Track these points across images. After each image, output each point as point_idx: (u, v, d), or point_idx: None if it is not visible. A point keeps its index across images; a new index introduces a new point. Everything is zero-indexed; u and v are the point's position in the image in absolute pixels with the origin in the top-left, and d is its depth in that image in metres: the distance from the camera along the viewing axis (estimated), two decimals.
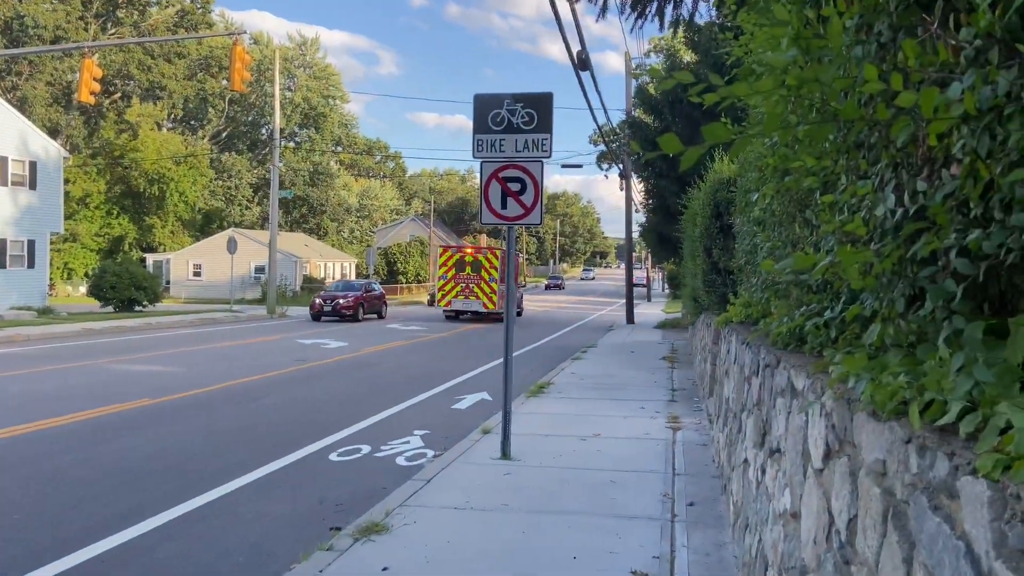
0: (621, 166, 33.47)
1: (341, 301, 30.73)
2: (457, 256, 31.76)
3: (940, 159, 1.86)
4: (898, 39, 1.98)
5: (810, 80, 1.87)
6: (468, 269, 31.57)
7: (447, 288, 31.55)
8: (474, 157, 7.80)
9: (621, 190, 33.47)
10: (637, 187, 32.40)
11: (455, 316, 32.48)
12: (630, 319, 31.29)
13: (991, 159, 1.60)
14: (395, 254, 62.85)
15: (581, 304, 51.17)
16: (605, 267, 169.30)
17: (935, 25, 1.73)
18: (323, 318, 30.60)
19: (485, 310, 31.20)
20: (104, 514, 6.08)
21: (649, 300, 57.15)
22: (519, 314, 36.77)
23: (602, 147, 58.57)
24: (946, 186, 1.81)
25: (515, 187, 7.73)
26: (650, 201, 25.49)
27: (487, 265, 31.41)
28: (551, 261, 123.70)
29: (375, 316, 32.85)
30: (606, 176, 72.00)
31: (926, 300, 2.03)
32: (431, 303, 43.12)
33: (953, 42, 1.67)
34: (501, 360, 7.78)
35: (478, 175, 7.95)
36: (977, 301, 1.91)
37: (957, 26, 1.74)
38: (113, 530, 5.69)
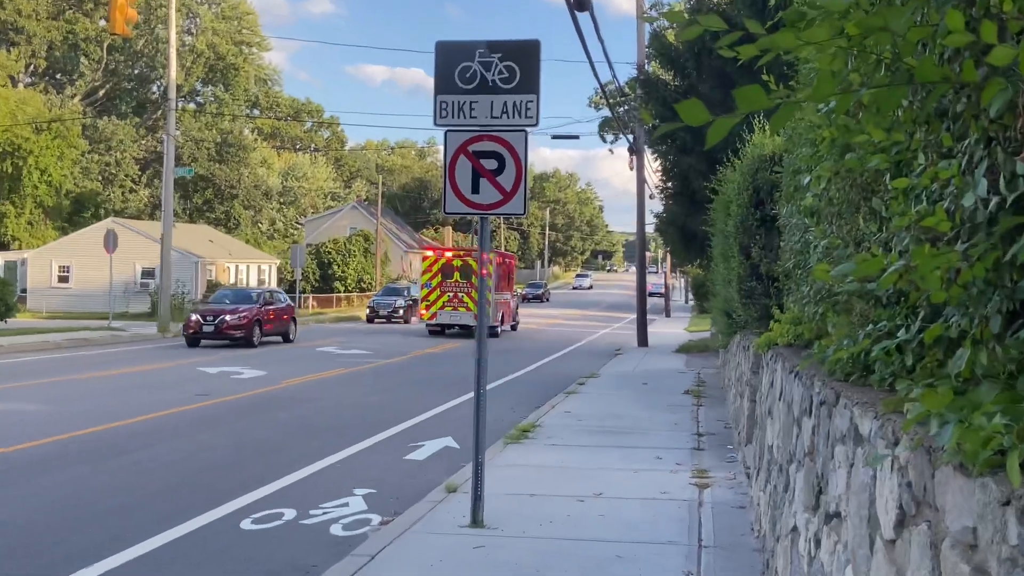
0: (631, 137, 33.65)
1: (229, 318, 28.16)
2: (443, 261, 34.17)
3: None
4: None
5: (877, 29, 1.89)
6: (456, 275, 33.95)
7: (432, 299, 34.07)
8: (436, 125, 7.80)
9: (631, 169, 33.65)
10: (653, 165, 32.61)
11: (440, 331, 35.02)
12: (643, 340, 31.44)
13: None
14: (330, 253, 62.77)
15: (579, 320, 51.28)
16: (609, 270, 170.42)
17: None
18: (203, 341, 28.25)
19: (477, 323, 30.27)
20: None
21: (668, 315, 57.51)
22: (514, 328, 40.06)
23: (606, 112, 58.99)
24: None
25: (490, 165, 7.75)
26: (669, 184, 25.63)
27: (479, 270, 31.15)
28: (538, 263, 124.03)
29: (279, 339, 30.91)
30: (611, 151, 72.25)
31: None
32: (371, 319, 45.63)
33: None
34: (471, 395, 7.78)
35: (441, 149, 7.96)
36: None
37: None
38: None
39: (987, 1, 1.91)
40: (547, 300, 78.07)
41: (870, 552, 2.94)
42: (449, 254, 35.39)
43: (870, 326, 3.60)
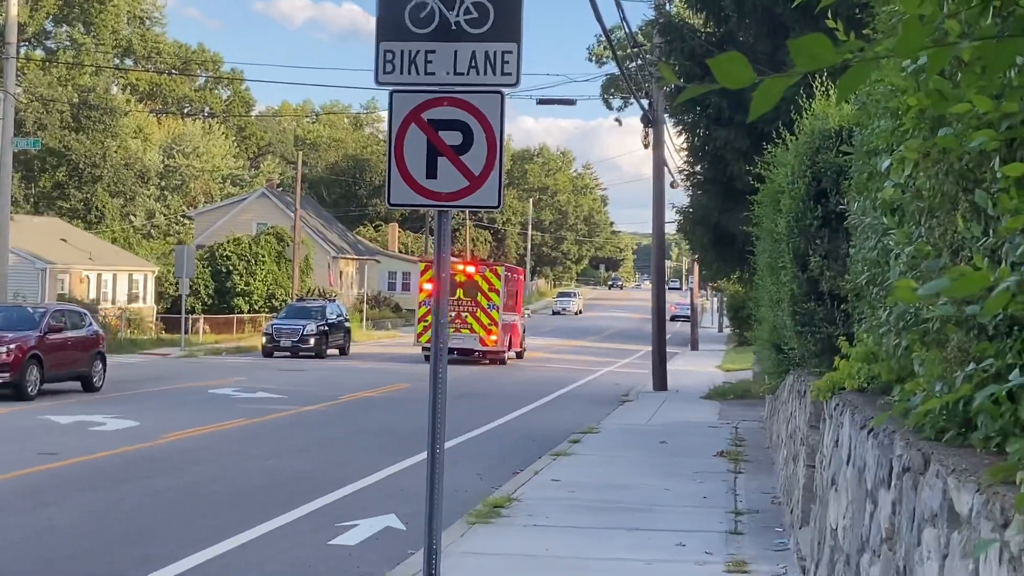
0: (647, 103, 33.78)
1: None
2: (455, 274, 37.82)
3: None
4: None
5: None
6: (459, 292, 38.58)
7: (429, 319, 33.49)
8: (378, 83, 7.80)
9: (647, 147, 33.75)
10: (676, 142, 32.75)
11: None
12: (660, 382, 31.45)
13: None
14: (230, 258, 62.54)
15: (573, 354, 51.29)
16: (613, 286, 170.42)
17: None
18: None
19: (482, 347, 40.40)
20: None
21: (695, 347, 57.74)
22: (519, 356, 45.66)
23: (612, 68, 59.17)
24: None
25: (453, 139, 7.75)
26: (699, 168, 25.77)
27: (485, 287, 40.37)
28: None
29: (78, 385, 27.85)
30: (618, 121, 71.53)
31: None
32: (269, 352, 44.41)
33: None
34: (423, 456, 7.76)
35: (386, 117, 7.96)
36: None
37: None
38: None
39: None
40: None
41: None
42: (455, 267, 38.72)
43: (972, 365, 3.62)
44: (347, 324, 50.31)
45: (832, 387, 7.31)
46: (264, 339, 46.79)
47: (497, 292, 40.71)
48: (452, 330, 36.33)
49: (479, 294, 40.20)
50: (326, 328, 45.88)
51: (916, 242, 4.60)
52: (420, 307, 40.48)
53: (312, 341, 45.24)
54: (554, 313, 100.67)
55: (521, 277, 51.04)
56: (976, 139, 3.06)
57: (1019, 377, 3.17)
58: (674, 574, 9.48)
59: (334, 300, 50.94)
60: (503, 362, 41.68)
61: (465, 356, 39.25)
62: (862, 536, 5.30)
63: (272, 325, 47.53)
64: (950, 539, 3.29)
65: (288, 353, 44.53)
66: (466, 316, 39.33)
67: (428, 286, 35.89)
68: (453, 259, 47.78)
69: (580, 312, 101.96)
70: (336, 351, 47.09)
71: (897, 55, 1.86)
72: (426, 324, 36.80)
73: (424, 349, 37.56)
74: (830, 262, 10.01)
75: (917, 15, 2.11)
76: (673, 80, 5.24)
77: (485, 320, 40.30)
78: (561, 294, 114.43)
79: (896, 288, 3.18)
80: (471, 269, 40.63)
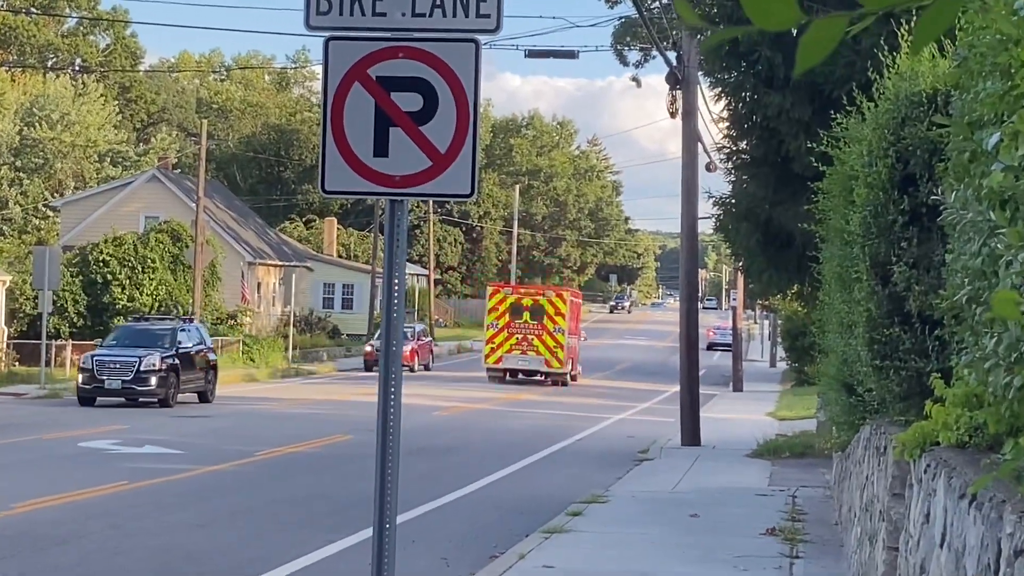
0: (675, 56, 33.89)
1: None
2: (512, 299, 57.93)
3: None
4: None
5: None
6: (526, 316, 57.86)
7: (497, 341, 58.60)
8: (309, 28, 7.83)
9: (673, 116, 33.86)
10: (713, 109, 32.79)
11: (502, 378, 59.44)
12: (692, 434, 31.50)
13: None
14: (107, 262, 62.37)
15: (569, 395, 51.27)
16: (615, 307, 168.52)
17: None
18: None
19: (547, 368, 58.73)
20: None
21: (739, 388, 57.81)
22: (573, 379, 61.45)
23: (628, 8, 59.33)
24: None
25: (411, 103, 7.78)
26: (743, 145, 25.81)
27: (551, 311, 58.49)
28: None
29: None
30: (636, 80, 72.04)
31: None
32: (88, 397, 41.59)
33: None
34: (368, 533, 7.77)
35: (320, 72, 7.98)
36: None
37: None
38: None
39: None
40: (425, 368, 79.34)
41: None
42: (522, 291, 59.73)
43: None
44: (211, 356, 44.62)
45: (922, 442, 7.33)
46: (80, 376, 41.90)
47: (563, 316, 58.35)
48: (519, 351, 58.03)
49: (545, 317, 57.96)
50: (175, 363, 40.19)
51: None
52: (487, 330, 60.24)
53: (154, 381, 40.70)
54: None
55: (579, 300, 71.10)
56: None
57: None
58: None
59: (192, 320, 45.78)
60: (565, 384, 58.66)
61: (528, 377, 58.87)
62: None
63: (92, 357, 42.39)
64: None
65: (117, 397, 41.13)
66: (532, 339, 57.61)
67: (494, 307, 59.27)
68: (521, 285, 75.23)
69: (585, 338, 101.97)
70: (194, 396, 42.03)
71: None
72: (493, 346, 58.86)
73: (490, 370, 59.28)
74: (920, 273, 10.06)
75: None
76: (694, 21, 5.11)
77: (551, 343, 57.62)
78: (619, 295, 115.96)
79: (994, 300, 3.18)
80: (539, 294, 60.50)
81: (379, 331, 43.68)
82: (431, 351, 70.45)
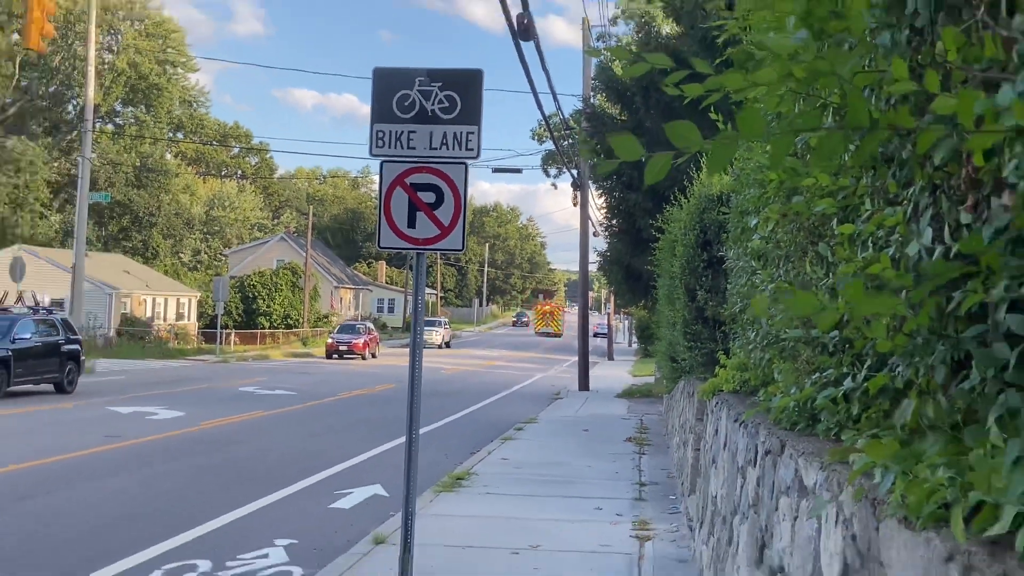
0: (575, 172, 33.97)
1: None
2: (543, 307, 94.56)
3: (989, 184, 1.96)
4: (937, 25, 2.10)
5: (824, 73, 1.96)
6: (547, 312, 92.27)
7: (539, 321, 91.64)
8: (372, 155, 7.81)
9: (575, 205, 33.91)
10: (597, 202, 32.90)
11: (540, 335, 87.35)
12: (584, 384, 31.52)
13: None
14: (255, 286, 61.97)
15: (518, 362, 51.30)
16: (516, 322, 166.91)
17: (982, 10, 1.84)
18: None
19: (556, 334, 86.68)
20: None
21: (611, 358, 57.75)
22: (560, 335, 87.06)
23: (550, 146, 59.39)
24: (996, 219, 1.91)
25: (428, 198, 7.77)
26: (614, 222, 25.89)
27: (558, 312, 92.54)
28: (476, 301, 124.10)
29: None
30: (554, 185, 72.76)
31: (972, 368, 2.12)
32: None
33: (1003, 33, 1.78)
34: (403, 439, 7.74)
35: (376, 179, 7.97)
36: None
37: (1012, 10, 1.85)
38: None
39: (932, 51, 2.00)
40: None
41: None
42: (546, 304, 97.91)
43: (816, 374, 3.68)
44: (73, 347, 25.24)
45: (713, 389, 7.36)
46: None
47: (561, 311, 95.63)
48: (543, 324, 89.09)
49: (557, 312, 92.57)
50: (8, 355, 22.40)
51: (776, 280, 4.67)
52: (536, 318, 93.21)
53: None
54: (514, 323, 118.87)
55: (563, 308, 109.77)
56: (820, 205, 3.12)
57: (850, 383, 3.22)
58: (595, 531, 9.49)
59: (52, 312, 26.68)
60: (560, 336, 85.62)
61: (548, 336, 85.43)
62: (735, 502, 5.34)
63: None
64: (800, 505, 3.32)
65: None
66: (550, 320, 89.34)
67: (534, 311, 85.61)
68: (547, 300, 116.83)
69: (528, 323, 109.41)
70: (50, 387, 24.36)
71: (745, 138, 1.91)
72: (537, 323, 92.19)
73: (537, 332, 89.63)
74: (713, 295, 10.10)
75: (758, 108, 2.16)
76: (590, 158, 5.30)
77: (556, 322, 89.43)
78: (519, 313, 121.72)
79: (753, 302, 3.23)
80: (550, 306, 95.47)
81: (358, 325, 46.16)
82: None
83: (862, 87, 1.98)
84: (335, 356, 47.54)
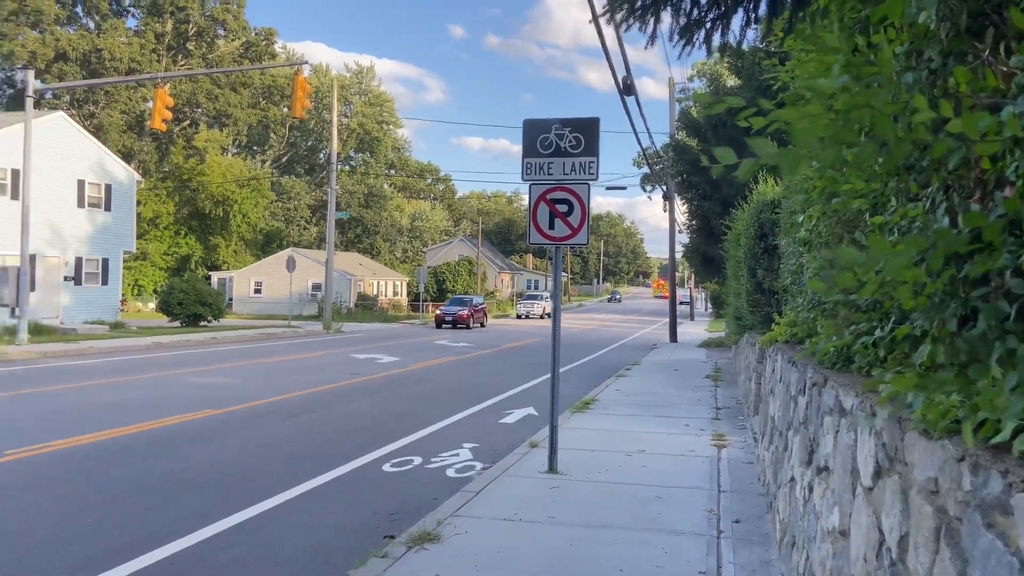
0: (665, 187, 33.22)
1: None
2: (661, 282, 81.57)
3: (993, 181, 1.83)
4: (948, 65, 1.97)
5: (860, 105, 1.86)
6: (658, 290, 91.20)
7: (655, 291, 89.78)
8: (523, 180, 7.86)
9: (664, 211, 33.26)
10: (680, 208, 32.12)
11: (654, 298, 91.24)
12: (673, 338, 30.99)
13: None
14: (444, 273, 63.28)
15: (624, 323, 50.81)
16: (611, 299, 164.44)
17: (987, 52, 1.72)
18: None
19: (666, 296, 67.97)
20: (166, 520, 6.22)
21: (692, 319, 56.45)
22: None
23: (646, 169, 58.34)
24: (999, 207, 1.78)
25: (562, 208, 7.77)
26: (693, 222, 25.23)
27: (665, 286, 58.79)
28: (595, 280, 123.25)
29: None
30: (650, 198, 72.15)
31: (978, 320, 2.00)
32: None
33: (1004, 68, 1.66)
34: (547, 376, 7.78)
35: (525, 197, 8.03)
36: None
37: (1008, 52, 1.72)
38: (175, 536, 5.82)
39: (945, 84, 1.87)
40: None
41: (852, 496, 2.87)
42: (658, 282, 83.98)
43: (852, 327, 3.52)
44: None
45: (770, 340, 7.12)
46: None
47: (663, 287, 74.28)
48: (659, 292, 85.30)
49: (665, 285, 68.86)
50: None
51: (819, 261, 4.48)
52: (655, 286, 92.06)
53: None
54: (609, 300, 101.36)
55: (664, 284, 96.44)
56: (855, 204, 2.97)
57: (880, 333, 3.07)
58: (684, 440, 9.34)
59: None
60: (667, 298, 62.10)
61: (662, 299, 79.47)
62: (788, 421, 5.17)
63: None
64: (840, 423, 3.19)
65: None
66: (663, 290, 73.28)
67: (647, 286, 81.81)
68: (660, 279, 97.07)
69: (621, 300, 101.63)
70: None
71: (810, 156, 1.84)
72: (656, 294, 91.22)
73: (654, 296, 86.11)
74: (768, 273, 9.75)
75: (824, 134, 2.07)
76: (680, 172, 5.19)
77: (665, 291, 68.12)
78: (613, 292, 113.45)
79: (809, 283, 3.11)
80: (662, 282, 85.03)
81: (465, 298, 43.53)
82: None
83: (890, 114, 1.88)
84: (444, 325, 38.57)
